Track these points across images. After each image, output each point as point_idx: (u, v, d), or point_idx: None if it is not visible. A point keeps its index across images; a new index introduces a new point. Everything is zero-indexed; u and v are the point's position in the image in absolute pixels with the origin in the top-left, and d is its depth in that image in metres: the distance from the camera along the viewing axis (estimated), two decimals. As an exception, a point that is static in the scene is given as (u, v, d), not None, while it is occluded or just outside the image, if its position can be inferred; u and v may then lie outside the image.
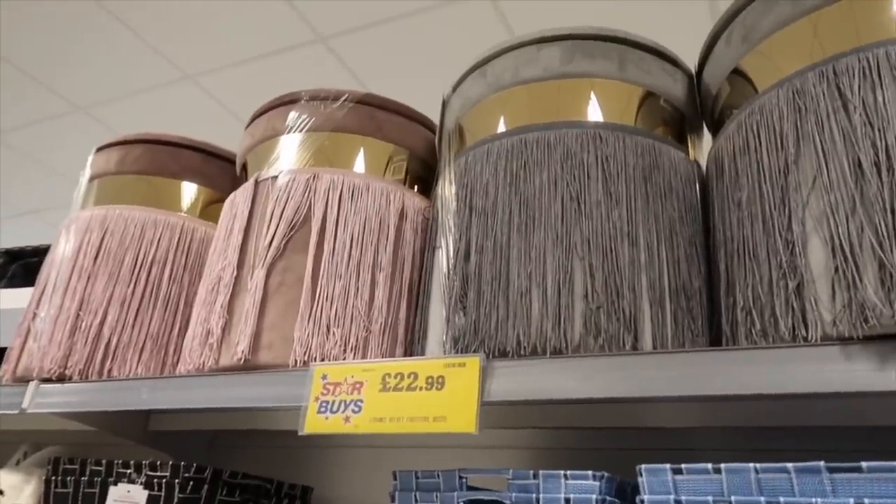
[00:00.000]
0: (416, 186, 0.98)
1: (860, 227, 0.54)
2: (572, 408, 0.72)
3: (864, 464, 0.46)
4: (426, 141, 0.99)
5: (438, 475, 0.67)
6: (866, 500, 0.46)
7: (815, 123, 0.61)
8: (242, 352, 0.79)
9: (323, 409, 0.71)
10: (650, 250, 0.68)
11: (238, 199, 0.94)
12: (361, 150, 0.96)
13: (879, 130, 0.56)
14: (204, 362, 0.83)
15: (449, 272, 0.74)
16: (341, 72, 2.82)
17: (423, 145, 0.99)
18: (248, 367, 0.79)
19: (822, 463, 0.47)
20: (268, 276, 0.83)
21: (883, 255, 0.52)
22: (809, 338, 0.54)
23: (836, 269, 0.54)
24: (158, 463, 0.85)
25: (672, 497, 0.54)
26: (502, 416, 0.72)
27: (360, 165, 0.95)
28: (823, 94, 0.61)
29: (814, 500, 0.47)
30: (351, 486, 1.03)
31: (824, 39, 0.65)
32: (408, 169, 0.98)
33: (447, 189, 0.82)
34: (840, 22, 0.65)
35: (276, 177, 0.92)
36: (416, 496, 0.67)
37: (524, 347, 0.65)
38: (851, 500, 0.46)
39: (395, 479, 0.69)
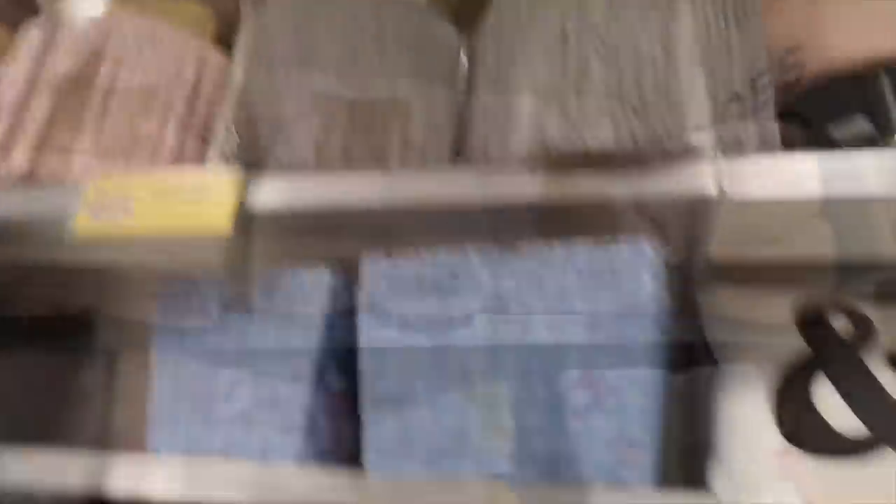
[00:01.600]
0: (222, 47, 1.02)
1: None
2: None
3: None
4: (237, 5, 1.03)
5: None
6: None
7: None
8: (19, 165, 0.80)
9: (96, 216, 0.76)
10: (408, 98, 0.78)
11: (34, 30, 0.93)
12: (171, 8, 0.99)
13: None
14: (-21, 176, 0.83)
15: (232, 104, 0.80)
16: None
17: (233, 8, 1.02)
18: (24, 180, 0.81)
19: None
20: (56, 98, 0.84)
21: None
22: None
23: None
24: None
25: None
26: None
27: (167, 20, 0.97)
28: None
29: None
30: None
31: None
32: (216, 30, 1.02)
33: (243, 40, 0.88)
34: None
35: (78, 13, 0.92)
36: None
37: (285, 166, 0.73)
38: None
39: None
